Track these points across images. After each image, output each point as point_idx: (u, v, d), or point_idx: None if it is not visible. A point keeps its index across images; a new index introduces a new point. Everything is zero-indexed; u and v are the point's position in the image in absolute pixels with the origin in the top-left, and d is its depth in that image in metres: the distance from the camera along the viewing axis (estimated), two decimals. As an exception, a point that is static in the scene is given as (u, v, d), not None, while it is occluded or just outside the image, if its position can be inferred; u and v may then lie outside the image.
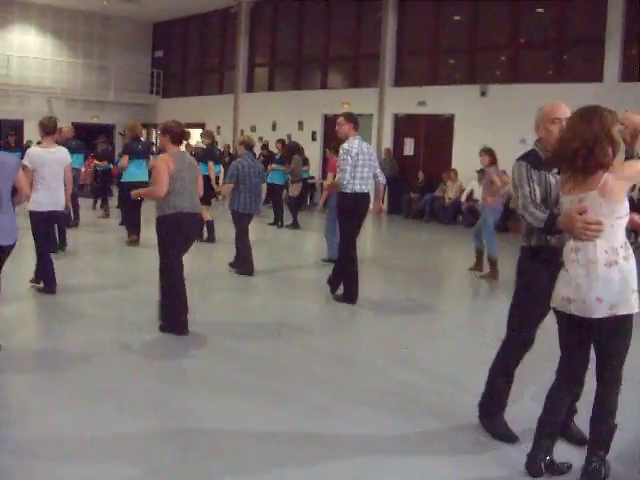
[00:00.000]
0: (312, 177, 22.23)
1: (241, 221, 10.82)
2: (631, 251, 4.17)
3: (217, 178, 14.87)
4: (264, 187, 11.26)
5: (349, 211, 8.92)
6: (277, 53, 26.77)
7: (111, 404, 5.41)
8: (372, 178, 9.14)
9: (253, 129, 25.65)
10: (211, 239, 13.64)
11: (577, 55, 19.07)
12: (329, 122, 24.01)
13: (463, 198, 19.34)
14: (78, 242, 13.26)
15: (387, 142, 22.18)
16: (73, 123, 19.44)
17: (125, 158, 13.18)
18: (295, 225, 16.84)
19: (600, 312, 4.10)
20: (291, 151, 17.38)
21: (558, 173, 4.53)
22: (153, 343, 7.17)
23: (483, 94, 19.69)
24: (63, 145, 15.07)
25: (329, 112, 23.85)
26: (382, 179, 9.44)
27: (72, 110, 28.55)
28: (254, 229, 15.54)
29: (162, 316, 7.39)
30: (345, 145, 8.79)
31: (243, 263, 10.77)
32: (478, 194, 18.81)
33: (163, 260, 7.27)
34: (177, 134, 7.35)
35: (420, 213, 20.17)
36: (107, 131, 26.47)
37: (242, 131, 26.02)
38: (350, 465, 4.60)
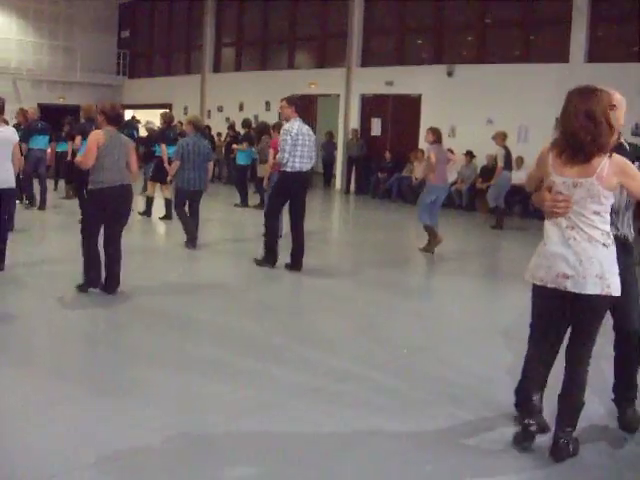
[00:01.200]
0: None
1: (182, 196, 11.39)
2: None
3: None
4: (210, 165, 11.79)
5: (286, 188, 9.56)
6: (244, 33, 26.48)
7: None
8: (313, 158, 9.72)
9: (220, 109, 25.52)
10: (168, 216, 13.86)
11: (544, 35, 19.07)
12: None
13: (430, 178, 19.34)
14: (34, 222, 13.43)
15: (354, 122, 22.12)
16: (39, 104, 19.21)
17: (78, 138, 13.16)
18: (263, 205, 16.65)
19: (597, 289, 4.16)
20: (260, 132, 17.25)
21: None
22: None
23: (450, 74, 19.66)
24: (28, 127, 15.18)
25: (297, 92, 23.66)
26: (314, 160, 10.01)
27: (38, 91, 28.13)
28: (220, 210, 15.49)
29: (83, 277, 8.08)
30: (286, 126, 9.40)
31: (188, 235, 11.27)
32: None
33: (83, 227, 8.06)
34: (112, 115, 8.00)
35: (387, 193, 20.15)
36: (74, 112, 26.13)
37: (185, 108, 26.00)
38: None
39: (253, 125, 18.43)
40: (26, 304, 7.80)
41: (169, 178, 12.48)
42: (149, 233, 13.94)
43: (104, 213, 7.94)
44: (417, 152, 18.95)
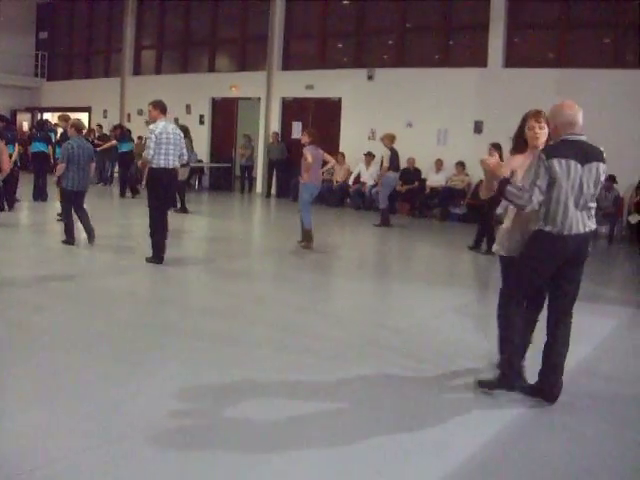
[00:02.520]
0: (200, 160, 21.95)
1: (67, 197, 11.70)
2: None
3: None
4: (92, 166, 12.10)
5: (155, 183, 10.23)
6: (164, 35, 26.10)
7: None
8: (178, 156, 10.36)
9: (140, 112, 25.07)
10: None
11: (462, 40, 19.30)
12: (217, 105, 23.76)
13: (350, 181, 19.39)
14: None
15: (275, 126, 22.02)
16: None
17: None
18: (183, 209, 16.52)
19: None
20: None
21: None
22: None
23: (370, 78, 19.76)
24: None
25: (217, 95, 23.57)
26: (186, 158, 10.94)
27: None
28: (139, 214, 15.42)
29: None
30: (151, 126, 10.23)
31: (67, 234, 11.66)
32: (366, 177, 18.97)
33: None
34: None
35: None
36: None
37: (62, 114, 25.71)
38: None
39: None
40: None
41: (54, 179, 12.62)
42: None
43: None
44: (337, 155, 18.94)
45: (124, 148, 20.17)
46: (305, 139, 12.25)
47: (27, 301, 7.82)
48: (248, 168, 22.55)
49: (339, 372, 5.82)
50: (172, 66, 25.62)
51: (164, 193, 10.39)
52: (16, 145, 15.42)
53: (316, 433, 4.66)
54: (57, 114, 26.89)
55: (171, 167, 10.23)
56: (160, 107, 10.33)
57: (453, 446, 4.54)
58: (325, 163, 13.07)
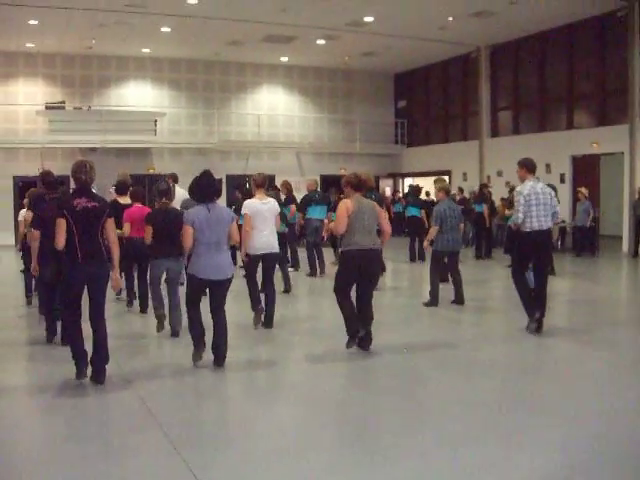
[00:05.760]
0: (563, 221, 21.44)
1: (437, 259, 12.43)
2: None
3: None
4: (461, 227, 12.80)
5: (525, 247, 9.93)
6: (520, 95, 26.32)
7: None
8: (550, 216, 9.86)
9: (500, 174, 25.36)
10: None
11: None
12: (577, 163, 23.28)
13: None
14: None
15: (640, 180, 21.13)
16: (321, 175, 20.06)
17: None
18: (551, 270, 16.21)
19: None
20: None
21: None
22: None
23: None
24: (305, 197, 16.17)
25: (577, 153, 23.13)
26: (558, 217, 10.43)
27: (319, 163, 29.75)
28: (498, 276, 15.28)
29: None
30: (518, 188, 9.94)
31: (431, 295, 12.21)
32: None
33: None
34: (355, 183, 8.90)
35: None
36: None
37: (464, 174, 25.85)
38: None
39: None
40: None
41: (426, 242, 12.87)
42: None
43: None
44: None
45: (479, 209, 20.72)
46: None
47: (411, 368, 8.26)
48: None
49: None
50: (529, 125, 25.60)
51: (535, 256, 9.93)
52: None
53: None
54: (417, 179, 28.17)
55: (545, 228, 9.77)
56: (527, 166, 9.89)
57: None
58: None
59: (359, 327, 8.68)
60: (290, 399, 7.19)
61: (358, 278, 8.72)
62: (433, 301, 12.02)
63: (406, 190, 27.25)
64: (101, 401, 7.08)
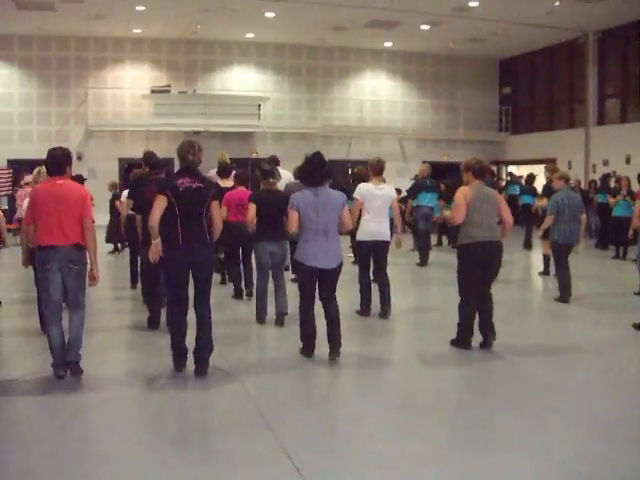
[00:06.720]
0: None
1: (558, 250, 11.63)
2: None
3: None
4: (583, 218, 11.64)
5: None
6: (629, 83, 25.53)
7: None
8: None
9: (605, 163, 24.73)
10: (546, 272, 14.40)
11: None
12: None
13: None
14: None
15: None
16: (424, 162, 19.92)
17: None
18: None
19: None
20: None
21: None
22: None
23: None
24: (417, 183, 16.12)
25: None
26: None
27: (422, 150, 29.63)
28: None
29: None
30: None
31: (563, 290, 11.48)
32: None
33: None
34: (476, 169, 8.30)
35: None
36: (455, 169, 26.77)
37: (569, 163, 25.27)
38: None
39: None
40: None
41: (540, 233, 12.53)
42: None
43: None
44: None
45: (602, 199, 19.82)
46: None
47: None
48: None
49: None
50: (638, 114, 24.81)
51: None
52: None
53: None
54: (522, 167, 27.73)
55: None
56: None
57: None
58: None
59: (486, 333, 8.22)
60: (407, 401, 6.64)
61: (481, 274, 8.13)
62: (563, 296, 11.29)
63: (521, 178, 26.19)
64: (202, 396, 6.69)
